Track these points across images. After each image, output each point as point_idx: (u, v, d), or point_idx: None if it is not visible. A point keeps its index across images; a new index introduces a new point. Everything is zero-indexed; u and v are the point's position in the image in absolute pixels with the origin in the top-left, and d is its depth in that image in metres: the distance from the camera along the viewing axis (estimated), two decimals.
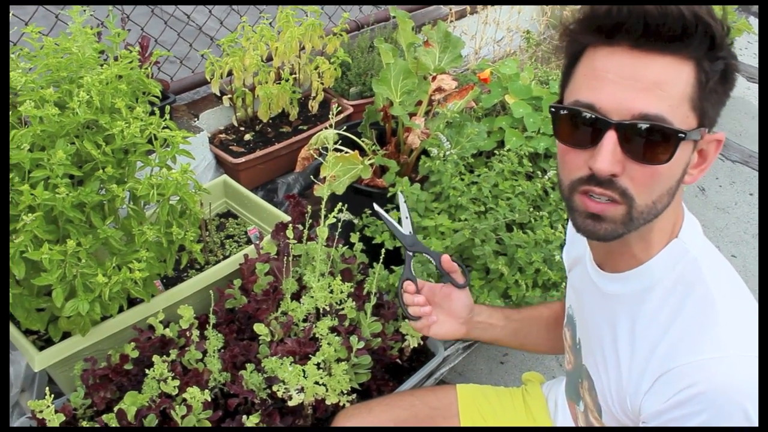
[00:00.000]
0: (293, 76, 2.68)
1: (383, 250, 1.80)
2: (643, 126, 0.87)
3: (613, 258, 1.08)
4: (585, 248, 1.20)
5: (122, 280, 1.54)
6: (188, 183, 1.66)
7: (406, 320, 1.72)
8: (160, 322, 1.81)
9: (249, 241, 2.35)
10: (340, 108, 2.71)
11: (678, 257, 1.01)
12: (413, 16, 2.82)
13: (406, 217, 1.41)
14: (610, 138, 0.89)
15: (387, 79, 2.29)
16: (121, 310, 1.75)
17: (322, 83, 2.75)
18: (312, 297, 1.73)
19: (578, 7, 0.93)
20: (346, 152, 2.31)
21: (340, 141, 2.36)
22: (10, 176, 1.47)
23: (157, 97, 1.85)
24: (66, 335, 1.79)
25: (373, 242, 2.19)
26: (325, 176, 2.18)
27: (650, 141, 0.88)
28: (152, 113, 1.75)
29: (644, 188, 0.92)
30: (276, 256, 1.98)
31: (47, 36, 1.79)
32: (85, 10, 1.86)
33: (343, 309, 1.76)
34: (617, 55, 0.89)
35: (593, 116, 0.90)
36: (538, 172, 2.34)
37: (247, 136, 2.71)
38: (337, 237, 1.97)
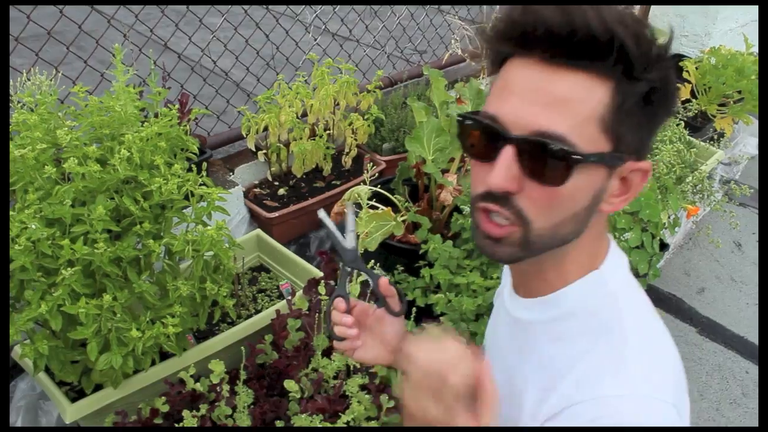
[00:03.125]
0: (327, 132, 2.72)
1: (414, 308, 1.80)
2: (540, 143, 0.81)
3: (528, 282, 0.99)
4: (507, 275, 1.11)
5: (156, 334, 1.55)
6: (223, 239, 1.68)
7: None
8: (191, 376, 1.81)
9: (281, 296, 2.36)
10: (373, 164, 2.75)
11: (594, 290, 0.94)
12: (446, 73, 2.87)
13: (352, 230, 1.26)
14: (507, 153, 0.82)
15: (420, 136, 2.31)
16: (153, 363, 1.77)
17: (356, 139, 2.79)
18: (342, 354, 1.72)
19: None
20: (379, 208, 2.33)
21: (373, 197, 2.39)
22: (53, 230, 1.51)
23: (195, 153, 1.90)
24: (98, 387, 1.80)
25: (405, 297, 2.18)
26: (358, 233, 2.19)
27: (547, 160, 0.81)
28: (189, 169, 1.79)
29: (542, 210, 0.85)
30: (307, 312, 1.99)
31: (92, 94, 1.85)
32: (128, 70, 1.92)
33: (373, 367, 1.75)
34: (529, 67, 0.83)
35: (494, 128, 0.84)
36: None
37: (281, 191, 2.74)
38: (369, 294, 1.97)
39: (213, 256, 1.73)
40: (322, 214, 1.25)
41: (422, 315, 2.04)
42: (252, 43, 2.91)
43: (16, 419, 2.01)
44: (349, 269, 1.23)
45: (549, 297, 0.96)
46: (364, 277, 1.90)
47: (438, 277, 2.14)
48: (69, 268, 1.47)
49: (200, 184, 1.75)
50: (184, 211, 1.75)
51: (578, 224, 0.88)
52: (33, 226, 1.46)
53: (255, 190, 2.76)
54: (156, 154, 1.72)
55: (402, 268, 2.26)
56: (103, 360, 1.54)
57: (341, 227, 1.23)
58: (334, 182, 2.82)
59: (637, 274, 2.28)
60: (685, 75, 3.62)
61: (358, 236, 1.26)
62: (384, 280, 1.21)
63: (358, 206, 2.43)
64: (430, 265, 2.21)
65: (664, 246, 2.43)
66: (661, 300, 3.16)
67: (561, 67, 0.81)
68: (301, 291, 2.08)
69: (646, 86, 0.81)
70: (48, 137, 1.69)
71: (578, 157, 0.81)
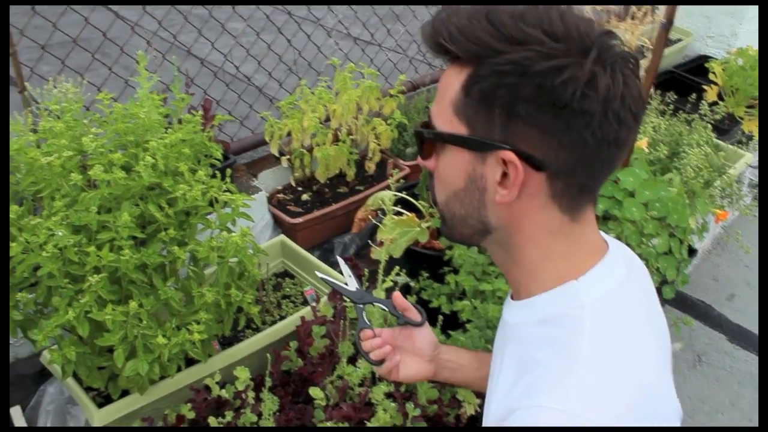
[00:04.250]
0: (350, 137, 2.72)
1: (441, 317, 1.78)
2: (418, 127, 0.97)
3: (510, 284, 1.05)
4: None
5: (181, 341, 1.55)
6: (247, 246, 1.68)
7: (430, 382, 1.65)
8: (217, 382, 1.81)
9: (305, 302, 2.35)
10: (397, 169, 2.74)
11: (565, 300, 0.95)
12: None
13: (349, 275, 1.41)
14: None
15: None
16: (178, 369, 1.77)
17: (379, 144, 2.78)
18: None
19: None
20: (403, 214, 2.31)
21: (398, 202, 2.37)
22: (79, 237, 1.51)
23: (218, 159, 1.89)
24: (125, 392, 1.81)
25: (430, 305, 2.17)
26: (382, 239, 2.18)
27: (419, 140, 0.98)
28: (213, 176, 1.79)
29: (436, 187, 1.00)
30: (332, 319, 1.98)
31: (116, 101, 1.86)
32: (152, 76, 1.92)
33: None
34: None
35: None
36: None
37: (305, 196, 2.74)
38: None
39: (238, 263, 1.72)
40: (322, 275, 1.42)
41: (448, 322, 2.02)
42: (274, 48, 2.91)
43: (45, 423, 2.02)
44: (361, 305, 1.35)
45: (525, 301, 0.99)
46: (387, 284, 1.90)
47: (463, 283, 2.12)
48: (95, 275, 1.48)
49: (224, 191, 1.75)
50: (208, 217, 1.75)
51: (467, 207, 0.95)
52: (60, 233, 1.46)
53: (278, 195, 2.76)
54: (180, 161, 1.72)
55: (427, 274, 2.24)
56: (130, 366, 1.54)
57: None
58: (357, 187, 2.81)
59: (664, 281, 2.25)
60: (711, 77, 3.57)
61: (360, 278, 1.39)
62: (397, 294, 1.31)
63: (382, 212, 2.42)
64: (455, 272, 2.19)
65: (692, 251, 2.39)
66: (690, 306, 3.11)
67: (447, 64, 0.93)
68: (325, 297, 2.07)
69: (487, 83, 0.85)
70: (74, 144, 1.69)
71: (430, 135, 0.95)
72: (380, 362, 1.29)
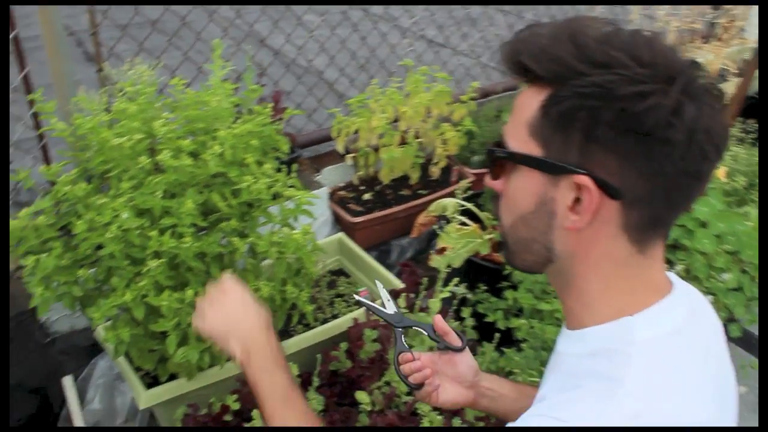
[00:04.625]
0: (417, 140, 2.69)
1: (497, 335, 1.73)
2: (490, 147, 0.94)
3: (565, 314, 1.01)
4: None
5: None
6: (307, 243, 1.66)
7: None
8: None
9: (358, 302, 2.33)
10: (461, 177, 2.70)
11: (617, 335, 0.90)
12: None
13: (388, 300, 1.39)
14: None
15: None
16: (228, 359, 1.77)
17: (446, 150, 2.74)
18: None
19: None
20: (466, 224, 2.27)
21: (460, 211, 2.33)
22: (143, 221, 1.52)
23: (285, 153, 1.89)
24: (173, 376, 1.82)
25: (485, 320, 2.13)
26: (443, 247, 2.15)
27: (491, 160, 0.95)
28: (279, 169, 1.78)
29: (503, 209, 0.96)
30: (385, 323, 1.95)
31: (188, 86, 1.87)
32: (225, 65, 1.93)
33: None
34: None
35: None
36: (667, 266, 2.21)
37: (366, 196, 2.72)
38: (449, 310, 1.93)
39: (296, 259, 1.71)
40: (359, 297, 1.39)
41: (503, 339, 1.98)
42: (348, 44, 2.90)
43: (94, 396, 2.05)
44: (401, 329, 1.33)
45: (577, 332, 0.96)
46: (445, 294, 1.87)
47: (521, 301, 2.07)
48: (155, 260, 1.48)
49: (289, 185, 1.74)
50: (270, 210, 1.74)
51: (533, 231, 0.92)
52: (125, 216, 1.47)
53: (340, 192, 2.75)
54: (247, 152, 1.72)
55: (485, 287, 2.19)
56: (181, 353, 1.55)
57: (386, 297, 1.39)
58: (420, 191, 2.78)
59: (731, 318, 2.15)
60: None
61: (395, 302, 1.38)
62: (438, 317, 1.28)
63: (444, 219, 2.39)
64: (514, 288, 2.14)
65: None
66: (755, 345, 2.98)
67: (523, 85, 0.90)
68: (380, 301, 2.05)
69: (566, 104, 0.83)
70: (145, 127, 1.71)
71: (503, 154, 0.91)
72: (419, 386, 1.25)
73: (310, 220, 1.75)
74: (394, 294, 2.01)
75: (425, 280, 1.91)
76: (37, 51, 2.06)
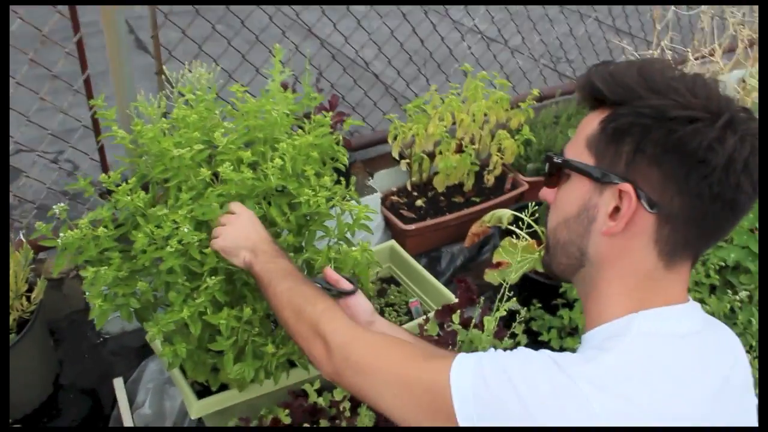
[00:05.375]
0: (473, 146, 2.63)
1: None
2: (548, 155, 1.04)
3: (586, 321, 1.05)
4: None
5: (290, 351, 1.53)
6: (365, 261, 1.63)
7: None
8: (315, 389, 1.79)
9: (408, 312, 2.30)
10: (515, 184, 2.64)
11: (619, 327, 0.95)
12: None
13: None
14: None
15: None
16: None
17: (502, 158, 2.68)
18: None
19: None
20: (521, 237, 2.21)
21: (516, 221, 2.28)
22: (203, 235, 1.50)
23: (344, 164, 1.85)
24: (223, 385, 1.81)
25: (539, 338, 2.08)
26: (498, 261, 2.09)
27: (547, 166, 1.05)
28: (338, 181, 1.75)
29: (551, 212, 1.05)
30: (437, 337, 1.91)
31: (243, 85, 1.84)
32: (284, 70, 1.90)
33: None
34: None
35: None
36: (728, 290, 2.13)
37: (419, 202, 2.68)
38: (502, 326, 1.88)
39: (352, 275, 1.68)
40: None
41: None
42: (407, 45, 2.85)
43: (145, 399, 2.05)
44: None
45: (586, 334, 1.01)
46: (501, 313, 1.82)
47: (577, 320, 2.02)
48: (213, 277, 1.46)
49: (347, 198, 1.71)
50: (326, 224, 1.71)
51: (572, 234, 1.00)
52: (185, 229, 1.45)
53: (392, 197, 2.71)
54: (307, 164, 1.69)
55: (539, 304, 2.14)
56: (237, 369, 1.53)
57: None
58: (473, 198, 2.73)
59: None
60: None
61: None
62: (327, 269, 1.44)
63: (498, 230, 2.34)
64: (570, 306, 2.09)
65: None
66: None
67: (589, 111, 1.01)
68: (432, 314, 2.01)
69: (623, 122, 0.92)
70: (205, 137, 1.69)
71: (559, 160, 1.01)
72: (354, 289, 1.40)
73: (369, 235, 1.72)
74: (449, 310, 1.97)
75: (482, 300, 1.86)
76: (88, 37, 2.05)
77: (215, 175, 1.68)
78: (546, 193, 1.06)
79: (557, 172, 1.03)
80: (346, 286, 1.40)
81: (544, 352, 0.92)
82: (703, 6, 2.98)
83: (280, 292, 1.25)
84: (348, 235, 1.71)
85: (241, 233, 1.40)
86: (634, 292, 0.97)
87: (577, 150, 0.99)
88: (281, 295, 1.24)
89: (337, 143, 1.85)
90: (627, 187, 0.92)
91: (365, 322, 1.38)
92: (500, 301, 1.87)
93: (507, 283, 1.87)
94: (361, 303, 1.41)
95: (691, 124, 0.88)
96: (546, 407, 0.85)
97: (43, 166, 2.33)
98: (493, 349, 0.98)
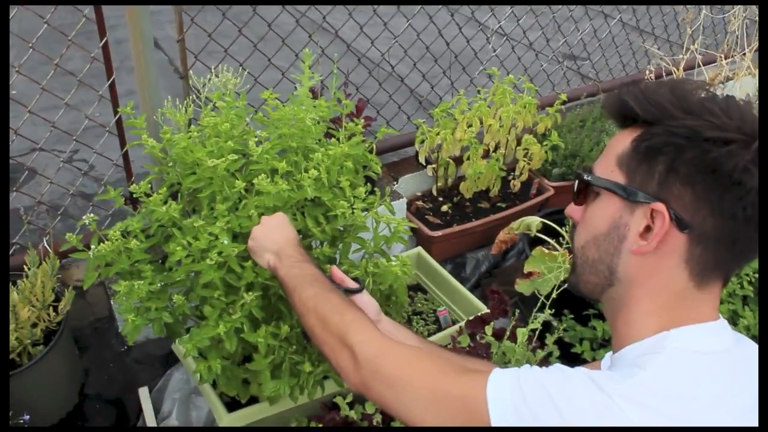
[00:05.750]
0: (500, 151, 2.59)
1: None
2: (577, 173, 1.03)
3: (613, 342, 1.04)
4: None
5: (327, 369, 1.49)
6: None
7: None
8: (348, 403, 1.76)
9: (436, 321, 2.27)
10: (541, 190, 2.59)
11: (652, 346, 0.94)
12: None
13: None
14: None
15: None
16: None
17: (529, 163, 2.64)
18: None
19: None
20: (551, 245, 2.17)
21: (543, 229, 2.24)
22: (242, 247, 1.47)
23: (377, 173, 1.82)
24: (253, 397, 1.78)
25: (572, 350, 2.04)
26: (530, 271, 2.06)
27: (576, 184, 1.03)
28: (372, 191, 1.71)
29: (578, 230, 1.03)
30: (468, 348, 1.88)
31: (270, 89, 1.81)
32: (312, 76, 1.86)
33: None
34: None
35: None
36: None
37: (444, 207, 2.64)
38: (534, 337, 1.85)
39: (388, 288, 1.64)
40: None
41: None
42: (433, 48, 2.81)
43: (171, 410, 2.02)
44: None
45: (617, 354, 1.00)
46: (536, 325, 1.79)
47: (609, 331, 1.97)
48: (249, 293, 1.43)
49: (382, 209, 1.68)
50: (361, 236, 1.67)
51: (602, 253, 0.98)
52: (225, 242, 1.42)
53: (418, 202, 2.67)
54: (341, 174, 1.65)
55: (571, 315, 2.10)
56: (272, 386, 1.50)
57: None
58: (499, 204, 2.69)
59: None
60: None
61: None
62: (334, 270, 1.41)
63: (528, 238, 2.30)
64: (602, 317, 2.05)
65: None
66: None
67: (620, 128, 1.01)
68: (463, 323, 1.98)
69: (657, 141, 0.91)
70: (238, 146, 1.65)
71: (589, 177, 1.00)
72: (361, 288, 1.37)
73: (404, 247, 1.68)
74: (481, 321, 1.94)
75: (517, 312, 1.82)
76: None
77: (250, 184, 1.65)
78: (573, 210, 1.06)
79: (586, 190, 1.02)
80: (352, 284, 1.38)
81: (580, 370, 0.91)
82: (734, 7, 2.94)
83: (306, 298, 1.23)
84: (384, 246, 1.68)
85: (268, 234, 1.39)
86: (665, 311, 0.96)
87: (608, 168, 0.98)
88: (307, 301, 1.22)
89: (370, 151, 1.82)
90: (660, 206, 0.91)
91: (374, 320, 1.32)
92: (535, 312, 1.83)
93: (542, 296, 1.83)
94: (367, 302, 1.37)
95: (726, 146, 0.87)
96: (585, 423, 0.84)
97: (56, 165, 2.28)
98: (528, 366, 0.96)
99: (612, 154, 0.98)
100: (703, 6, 3.06)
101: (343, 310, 1.18)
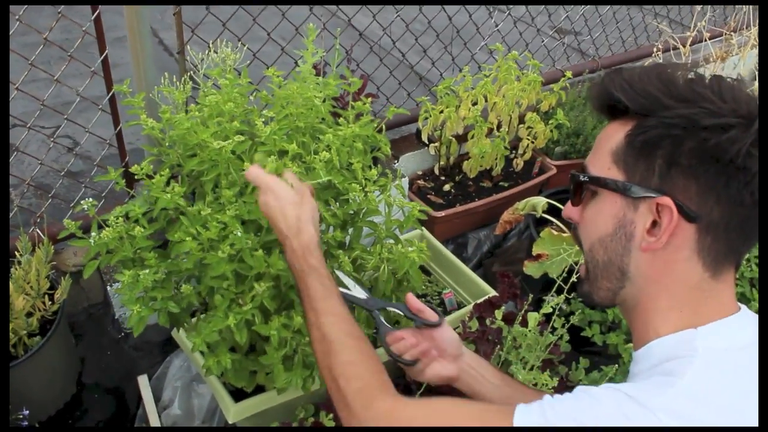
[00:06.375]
0: (503, 130, 2.53)
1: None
2: (572, 173, 1.00)
3: (633, 338, 1.02)
4: None
5: None
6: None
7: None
8: None
9: (441, 304, 2.22)
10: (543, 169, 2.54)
11: (680, 345, 0.92)
12: None
13: (354, 285, 1.35)
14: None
15: None
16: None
17: (533, 141, 2.58)
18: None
19: None
20: (557, 226, 2.13)
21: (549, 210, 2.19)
22: (256, 239, 1.40)
23: (386, 154, 1.75)
24: (259, 386, 1.73)
25: (581, 333, 2.00)
26: (538, 254, 2.01)
27: (572, 185, 1.01)
28: (383, 173, 1.65)
29: (582, 233, 1.01)
30: (475, 332, 1.84)
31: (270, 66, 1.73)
32: (316, 51, 1.79)
33: None
34: None
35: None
36: None
37: (446, 186, 2.58)
38: (543, 321, 1.81)
39: (402, 274, 1.59)
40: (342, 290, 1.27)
41: (596, 357, 1.86)
42: (434, 23, 2.73)
43: (172, 398, 1.96)
44: (378, 311, 1.31)
45: (642, 350, 0.97)
46: (547, 309, 1.75)
47: (619, 314, 1.94)
48: (261, 283, 1.36)
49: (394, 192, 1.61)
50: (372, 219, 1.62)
51: (611, 254, 0.96)
52: (237, 233, 1.35)
53: (419, 181, 2.61)
54: (353, 156, 1.59)
55: (580, 299, 2.06)
56: (285, 378, 1.44)
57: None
58: (501, 183, 2.63)
59: None
60: None
61: (362, 285, 1.37)
62: (410, 296, 1.29)
63: (534, 219, 2.25)
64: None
65: None
66: None
67: (608, 121, 0.98)
68: (471, 306, 1.94)
69: (653, 133, 0.89)
70: (244, 126, 1.58)
71: (587, 178, 0.96)
72: (415, 362, 1.25)
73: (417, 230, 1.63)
74: (490, 305, 1.89)
75: (531, 297, 1.78)
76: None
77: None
78: (571, 211, 1.03)
79: (583, 189, 0.99)
80: (431, 316, 1.27)
81: (610, 387, 0.88)
82: None
83: (322, 322, 1.12)
84: (396, 231, 1.62)
85: (300, 212, 1.21)
86: (686, 306, 0.94)
87: (603, 165, 0.95)
88: (322, 327, 1.12)
89: (378, 131, 1.75)
90: (666, 200, 0.89)
91: (452, 356, 1.26)
92: (549, 295, 1.79)
93: (557, 278, 1.78)
94: (447, 335, 1.27)
95: (725, 132, 0.85)
96: None
97: (38, 142, 2.15)
98: (549, 397, 0.90)
99: (605, 150, 0.95)
100: None
101: (357, 367, 1.07)
